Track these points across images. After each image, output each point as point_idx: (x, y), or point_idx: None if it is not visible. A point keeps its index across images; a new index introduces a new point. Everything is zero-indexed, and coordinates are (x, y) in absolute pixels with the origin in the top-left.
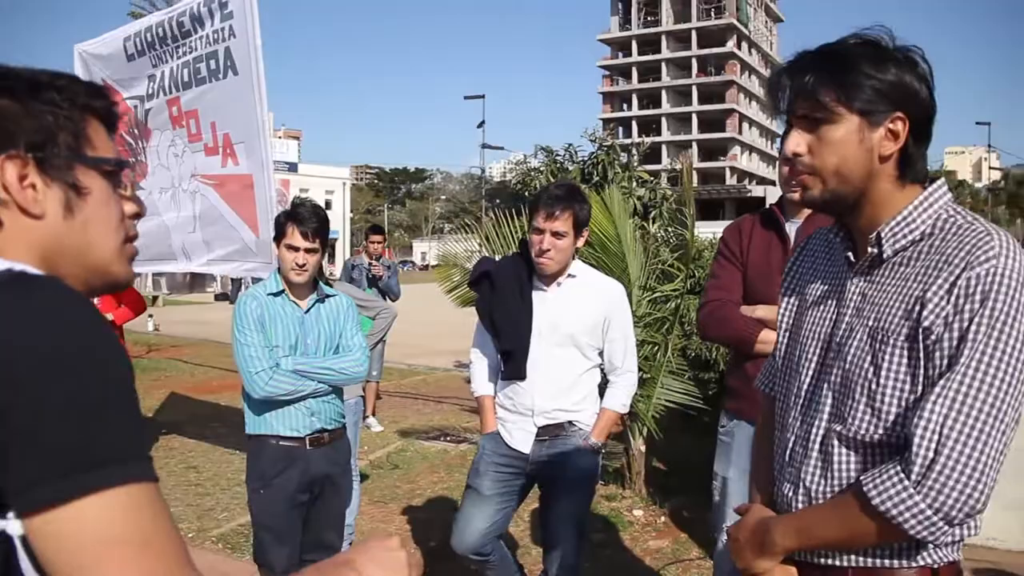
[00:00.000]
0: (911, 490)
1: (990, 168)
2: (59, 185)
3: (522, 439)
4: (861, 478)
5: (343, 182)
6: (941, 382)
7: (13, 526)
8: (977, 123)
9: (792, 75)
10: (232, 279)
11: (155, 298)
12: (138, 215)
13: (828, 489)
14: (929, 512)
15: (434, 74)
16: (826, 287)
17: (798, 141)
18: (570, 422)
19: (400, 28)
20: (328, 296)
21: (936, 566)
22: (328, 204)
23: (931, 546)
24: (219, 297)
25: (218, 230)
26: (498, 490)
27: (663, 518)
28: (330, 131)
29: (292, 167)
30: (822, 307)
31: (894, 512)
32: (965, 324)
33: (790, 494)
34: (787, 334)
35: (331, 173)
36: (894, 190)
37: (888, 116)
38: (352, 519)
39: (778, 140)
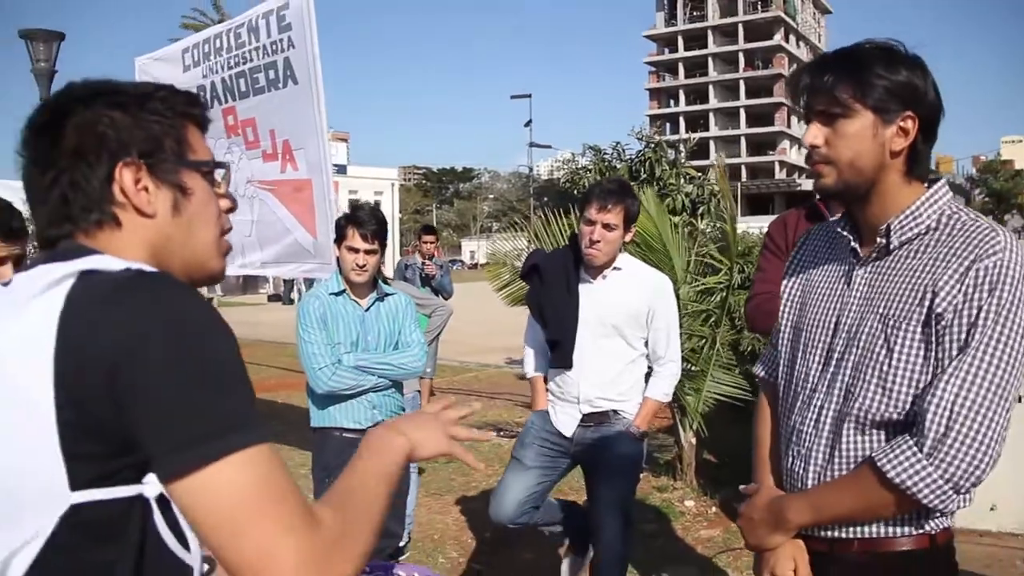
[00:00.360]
0: (924, 462)
1: None
2: (167, 187)
3: (567, 423)
4: (873, 454)
5: (391, 183)
6: (953, 363)
7: (150, 489)
8: None
9: (812, 74)
10: (284, 280)
11: (210, 299)
12: (231, 209)
13: (838, 465)
14: (941, 482)
15: (480, 73)
16: (831, 277)
17: (816, 134)
18: (615, 411)
19: (444, 27)
20: (387, 295)
21: (933, 532)
22: (377, 205)
23: (930, 515)
24: (272, 298)
25: (275, 233)
26: (540, 463)
27: (714, 509)
28: (377, 132)
29: (341, 169)
30: (828, 295)
31: (909, 484)
32: (975, 312)
33: (800, 471)
34: (791, 322)
35: (380, 174)
36: (902, 185)
37: (899, 115)
38: (411, 510)
39: None
